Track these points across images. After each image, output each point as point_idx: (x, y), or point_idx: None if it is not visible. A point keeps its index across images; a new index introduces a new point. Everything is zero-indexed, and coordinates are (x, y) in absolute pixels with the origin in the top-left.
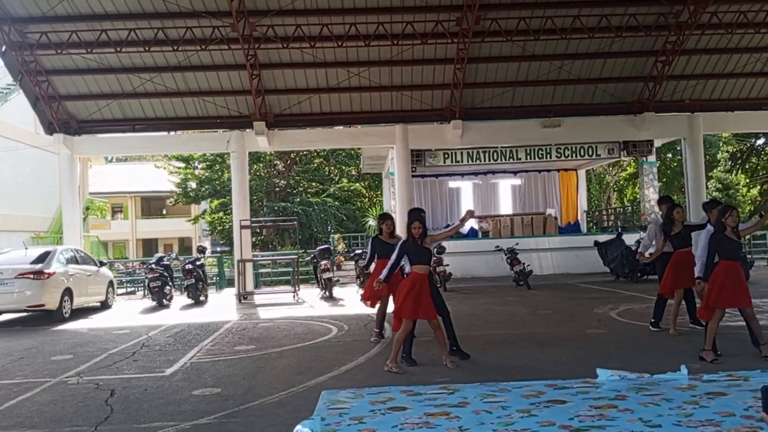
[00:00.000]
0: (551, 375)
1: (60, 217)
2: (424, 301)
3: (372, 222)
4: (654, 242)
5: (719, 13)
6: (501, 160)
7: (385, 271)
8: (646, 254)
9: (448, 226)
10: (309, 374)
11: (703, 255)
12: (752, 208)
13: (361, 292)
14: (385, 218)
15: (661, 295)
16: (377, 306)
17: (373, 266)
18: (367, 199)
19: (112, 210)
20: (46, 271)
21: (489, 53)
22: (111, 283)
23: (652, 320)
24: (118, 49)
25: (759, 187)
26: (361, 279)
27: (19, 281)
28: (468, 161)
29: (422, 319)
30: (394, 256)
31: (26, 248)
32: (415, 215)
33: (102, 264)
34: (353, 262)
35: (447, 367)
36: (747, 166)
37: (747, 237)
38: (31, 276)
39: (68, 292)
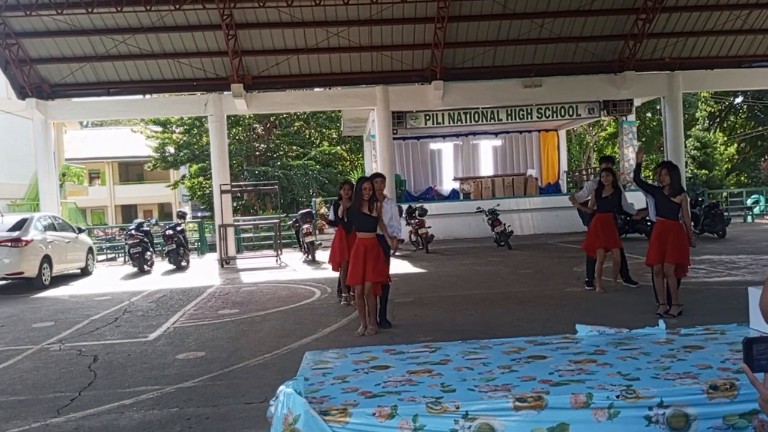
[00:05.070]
0: (532, 332)
1: (36, 184)
2: (369, 265)
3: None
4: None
5: None
6: (482, 121)
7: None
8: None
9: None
10: (293, 336)
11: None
12: (729, 166)
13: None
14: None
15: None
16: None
17: None
18: (348, 163)
19: (90, 176)
20: (24, 238)
21: (470, 11)
22: (90, 250)
23: (586, 279)
24: (89, 10)
25: (736, 145)
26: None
27: None
28: (449, 123)
29: (371, 281)
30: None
31: (2, 216)
32: (369, 178)
33: (81, 231)
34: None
35: (430, 329)
36: (725, 125)
37: (724, 195)
38: (9, 244)
39: (47, 260)
